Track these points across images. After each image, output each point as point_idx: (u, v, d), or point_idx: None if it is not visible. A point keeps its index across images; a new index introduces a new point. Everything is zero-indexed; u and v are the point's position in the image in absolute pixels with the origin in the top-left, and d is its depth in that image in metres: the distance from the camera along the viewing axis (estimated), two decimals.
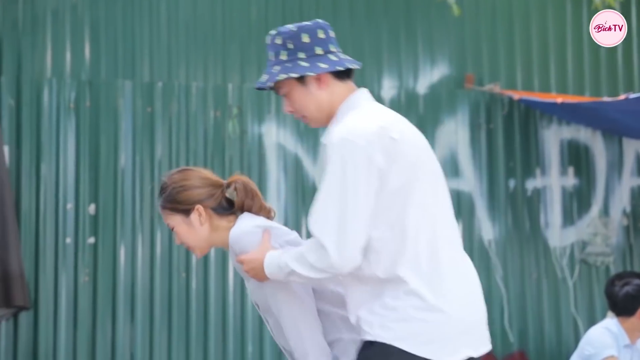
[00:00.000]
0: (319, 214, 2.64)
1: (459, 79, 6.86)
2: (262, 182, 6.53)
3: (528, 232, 6.88)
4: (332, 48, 2.84)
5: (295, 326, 2.80)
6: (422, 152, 2.78)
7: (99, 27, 6.43)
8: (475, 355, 2.68)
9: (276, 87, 2.87)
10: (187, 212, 2.99)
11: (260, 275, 2.78)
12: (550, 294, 6.84)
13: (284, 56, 2.83)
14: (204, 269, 6.32)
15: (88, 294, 6.17)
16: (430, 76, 6.87)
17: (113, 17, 6.43)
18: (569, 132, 7.04)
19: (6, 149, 6.14)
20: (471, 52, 6.93)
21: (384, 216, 2.63)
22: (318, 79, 2.81)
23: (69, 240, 6.17)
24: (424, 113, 6.79)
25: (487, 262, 6.73)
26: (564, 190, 6.99)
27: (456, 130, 6.85)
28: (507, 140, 6.92)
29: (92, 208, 6.26)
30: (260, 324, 6.32)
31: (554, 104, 6.53)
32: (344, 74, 2.86)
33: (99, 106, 6.38)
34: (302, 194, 6.58)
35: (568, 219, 6.96)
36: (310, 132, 6.62)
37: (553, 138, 7.01)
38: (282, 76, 2.80)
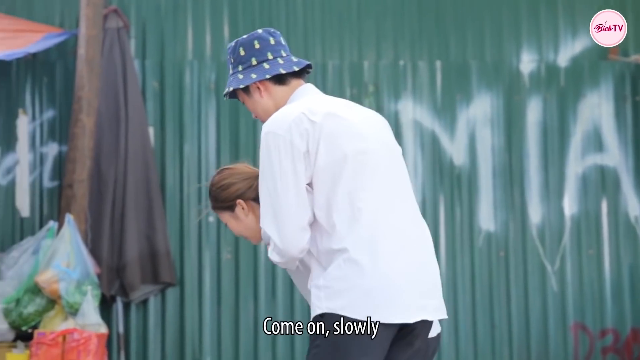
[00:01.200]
0: (262, 207, 2.88)
1: (602, 50, 6.63)
2: None
3: None
4: (269, 55, 3.03)
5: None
6: (359, 130, 2.90)
7: (237, 9, 6.56)
8: (428, 318, 2.80)
9: (226, 95, 3.12)
10: (231, 207, 3.19)
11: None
12: None
13: (231, 70, 3.08)
14: None
15: (230, 271, 6.33)
16: (571, 48, 6.67)
17: None
18: None
19: (151, 131, 6.36)
20: None
21: (320, 193, 2.80)
22: (258, 87, 3.02)
23: (212, 219, 6.35)
24: (565, 86, 6.60)
25: (634, 240, 6.51)
26: None
27: (599, 104, 6.63)
28: None
29: None
30: None
31: None
32: (288, 76, 3.03)
33: None
34: (440, 171, 6.53)
35: None
36: (447, 108, 6.55)
37: None
38: (226, 90, 3.08)
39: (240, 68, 3.04)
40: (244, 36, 3.07)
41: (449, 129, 6.55)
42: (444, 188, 6.52)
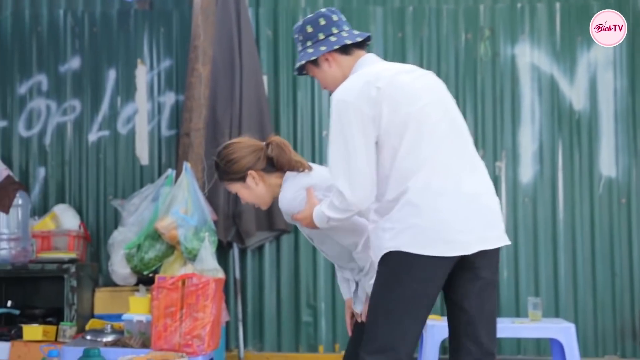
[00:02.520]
0: (332, 166, 3.17)
1: None
2: (515, 105, 6.35)
3: None
4: (334, 30, 3.36)
5: (357, 245, 3.40)
6: (417, 91, 3.20)
7: None
8: (487, 248, 3.13)
9: (297, 71, 3.46)
10: (242, 179, 3.55)
11: (315, 226, 3.31)
12: None
13: (300, 47, 3.42)
14: None
15: None
16: None
17: None
18: None
19: (265, 79, 6.40)
20: None
21: (387, 150, 3.11)
22: (326, 59, 3.35)
23: (325, 167, 6.36)
24: None
25: None
26: None
27: None
28: None
29: None
30: (515, 249, 6.23)
31: None
32: (351, 48, 3.35)
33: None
34: (558, 116, 6.34)
35: None
36: (567, 51, 6.34)
37: None
38: (297, 64, 3.41)
39: (309, 44, 3.36)
40: (310, 15, 3.41)
41: (568, 72, 6.34)
42: (563, 133, 6.34)
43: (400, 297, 3.07)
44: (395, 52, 6.43)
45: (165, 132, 6.59)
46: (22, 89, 6.78)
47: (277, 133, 6.38)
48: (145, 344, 4.89)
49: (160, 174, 6.43)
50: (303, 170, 3.57)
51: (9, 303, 6.12)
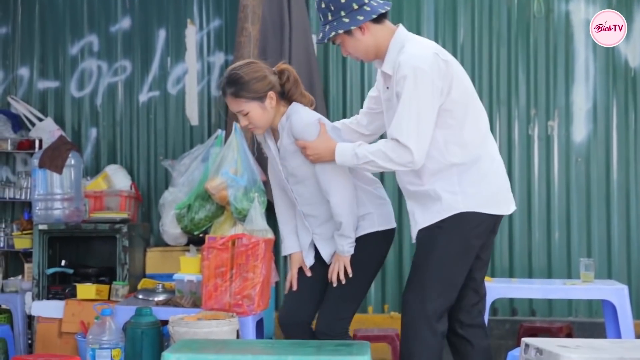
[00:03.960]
0: (400, 124, 3.40)
1: None
2: (569, 63, 6.23)
3: None
4: (367, 0, 3.50)
5: (340, 192, 3.60)
6: (463, 69, 3.59)
7: None
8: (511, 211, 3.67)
9: (332, 40, 3.56)
10: (262, 98, 3.61)
11: (323, 159, 3.58)
12: None
13: (330, 17, 3.52)
14: (507, 155, 6.21)
15: None
16: None
17: None
18: None
19: (314, 38, 6.35)
20: None
21: (454, 118, 3.46)
22: (360, 28, 3.51)
23: None
24: None
25: None
26: None
27: None
28: None
29: None
30: (567, 210, 6.15)
31: None
32: (381, 17, 3.54)
33: None
34: (613, 74, 6.21)
35: None
36: (623, 7, 6.18)
37: None
38: (332, 33, 3.50)
39: (342, 13, 3.49)
40: None
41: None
42: (617, 92, 6.21)
43: (463, 251, 3.51)
44: (447, 11, 6.33)
45: (215, 92, 6.60)
46: (74, 50, 6.83)
47: (326, 92, 6.35)
48: (195, 304, 4.94)
49: (210, 135, 6.45)
50: (310, 106, 3.74)
51: (63, 262, 6.22)
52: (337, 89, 6.42)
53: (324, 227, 3.74)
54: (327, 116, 6.24)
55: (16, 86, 6.90)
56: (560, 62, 6.24)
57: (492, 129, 6.15)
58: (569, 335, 5.66)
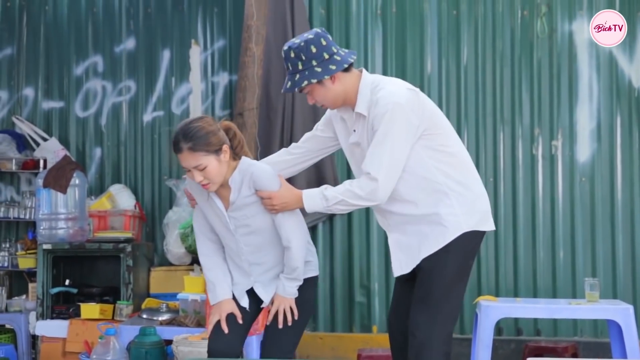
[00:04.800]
0: (374, 158, 3.51)
1: None
2: (572, 83, 6.24)
3: None
4: (334, 49, 3.62)
5: (300, 238, 3.70)
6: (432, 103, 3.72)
7: None
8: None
9: (299, 89, 3.62)
10: (218, 152, 3.59)
11: (289, 207, 3.65)
12: None
13: (300, 66, 3.58)
14: (512, 174, 6.21)
15: None
16: None
17: None
18: None
19: None
20: None
21: (438, 143, 3.61)
22: (331, 77, 3.59)
23: None
24: None
25: None
26: None
27: None
28: None
29: None
30: (572, 229, 6.14)
31: None
32: (349, 66, 3.64)
33: (405, 12, 6.40)
34: (617, 94, 6.21)
35: None
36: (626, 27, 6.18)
37: None
38: (305, 83, 3.58)
39: (314, 63, 3.56)
40: (309, 36, 3.59)
41: (627, 49, 6.21)
42: (622, 111, 6.21)
43: (466, 270, 3.66)
44: (450, 31, 6.35)
45: (219, 112, 6.62)
46: (79, 70, 6.86)
47: None
48: (200, 323, 4.93)
49: None
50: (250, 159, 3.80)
51: (67, 282, 6.22)
52: None
53: (268, 274, 3.78)
54: None
55: (21, 106, 6.92)
56: (564, 81, 6.25)
57: (495, 149, 6.23)
58: (575, 355, 5.64)
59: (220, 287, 3.78)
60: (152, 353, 4.49)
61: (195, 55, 6.69)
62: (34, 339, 6.08)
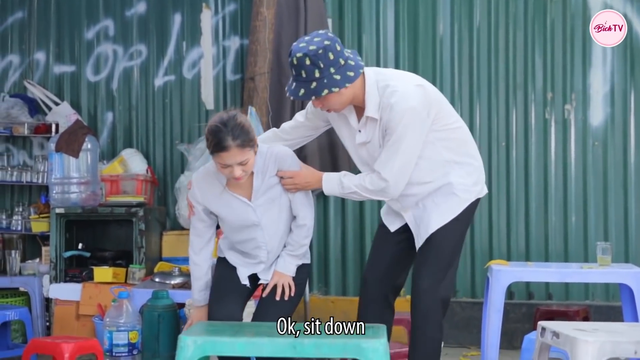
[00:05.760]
0: (387, 160, 3.57)
1: None
2: (586, 46, 6.18)
3: None
4: (347, 53, 3.57)
5: (312, 217, 3.82)
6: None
7: None
8: None
9: (316, 97, 3.55)
10: (254, 145, 3.59)
11: (309, 187, 3.75)
12: None
13: (317, 73, 3.48)
14: (524, 139, 6.19)
15: None
16: None
17: None
18: None
19: (330, 22, 6.33)
20: None
21: (446, 125, 3.70)
22: None
23: None
24: None
25: None
26: None
27: None
28: None
29: None
30: (584, 193, 6.12)
31: None
32: None
33: None
34: (631, 57, 6.14)
35: None
36: None
37: None
38: (325, 92, 3.50)
39: (332, 70, 3.49)
40: (325, 42, 3.49)
41: None
42: (635, 75, 6.15)
43: (464, 237, 3.82)
44: None
45: (230, 76, 6.60)
46: (90, 34, 6.85)
47: None
48: None
49: None
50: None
51: (80, 245, 6.25)
52: None
53: (274, 259, 3.84)
54: None
55: (32, 70, 6.92)
56: (577, 45, 6.19)
57: (508, 113, 6.20)
58: (586, 318, 5.65)
59: (203, 294, 3.86)
60: (164, 316, 4.52)
61: (207, 19, 6.66)
62: (47, 302, 6.13)
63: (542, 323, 3.50)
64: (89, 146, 6.24)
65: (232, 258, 3.88)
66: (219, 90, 6.61)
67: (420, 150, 3.63)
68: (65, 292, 5.93)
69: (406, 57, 6.33)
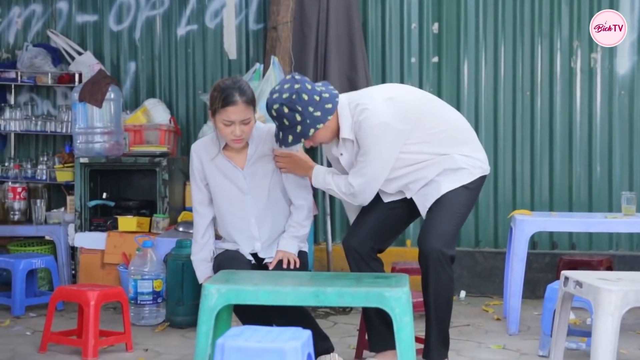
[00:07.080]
0: (362, 170, 3.69)
1: None
2: None
3: None
4: (319, 88, 3.69)
5: (310, 199, 3.97)
6: (416, 93, 3.91)
7: None
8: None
9: (305, 138, 3.68)
10: (255, 110, 3.79)
11: (297, 171, 3.90)
12: None
13: (298, 117, 3.60)
14: (549, 88, 6.13)
15: None
16: None
17: None
18: None
19: None
20: None
21: (438, 122, 3.81)
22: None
23: (413, 59, 6.26)
24: None
25: None
26: None
27: None
28: None
29: (435, 27, 6.26)
30: (610, 143, 6.07)
31: None
32: None
33: None
34: None
35: None
36: None
37: None
38: (312, 131, 3.63)
39: (311, 109, 3.60)
40: (295, 85, 3.60)
41: None
42: None
43: (471, 206, 3.91)
44: None
45: (253, 25, 6.56)
46: None
47: (364, 27, 6.28)
48: None
49: (248, 68, 6.43)
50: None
51: (104, 195, 6.29)
52: (375, 22, 6.34)
53: (270, 238, 3.96)
54: (366, 50, 6.18)
55: (55, 20, 6.92)
56: None
57: (533, 62, 6.14)
58: (609, 268, 5.64)
59: (205, 267, 4.02)
60: (188, 265, 4.55)
61: None
62: (73, 250, 6.20)
63: (565, 272, 3.50)
64: (112, 96, 6.24)
65: (237, 240, 3.98)
66: (242, 40, 6.57)
67: (391, 165, 3.72)
68: (90, 240, 5.99)
69: (430, 6, 6.26)
